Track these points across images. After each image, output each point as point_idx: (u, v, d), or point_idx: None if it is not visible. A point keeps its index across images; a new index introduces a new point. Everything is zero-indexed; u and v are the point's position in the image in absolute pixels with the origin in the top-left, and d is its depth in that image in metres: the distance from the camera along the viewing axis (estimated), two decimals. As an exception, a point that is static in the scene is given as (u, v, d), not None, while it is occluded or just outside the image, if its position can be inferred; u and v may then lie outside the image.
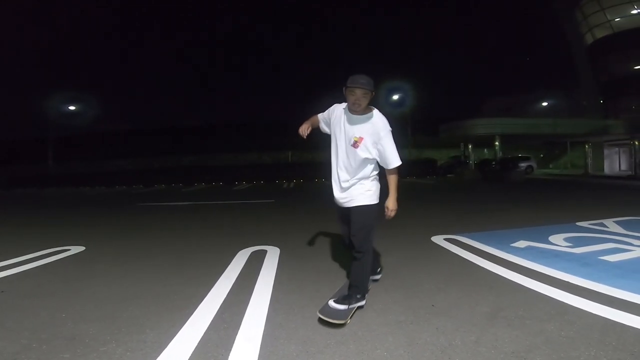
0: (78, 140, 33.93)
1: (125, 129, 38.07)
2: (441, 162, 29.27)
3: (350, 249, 2.62)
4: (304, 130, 2.77)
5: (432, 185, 17.18)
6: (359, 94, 2.43)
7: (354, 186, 2.59)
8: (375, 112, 2.59)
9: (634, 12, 26.88)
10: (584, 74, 31.59)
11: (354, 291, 2.52)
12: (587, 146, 24.82)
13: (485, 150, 31.12)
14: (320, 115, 2.84)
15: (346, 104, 2.59)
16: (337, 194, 2.66)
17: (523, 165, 24.26)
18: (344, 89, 2.51)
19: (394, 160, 2.56)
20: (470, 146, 28.14)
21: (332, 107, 2.75)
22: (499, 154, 25.05)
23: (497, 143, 24.99)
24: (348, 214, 2.63)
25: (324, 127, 2.82)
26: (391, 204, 2.60)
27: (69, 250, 4.75)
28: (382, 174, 2.68)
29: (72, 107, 28.99)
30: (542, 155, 33.35)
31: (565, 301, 2.62)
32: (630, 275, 3.14)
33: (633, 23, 26.71)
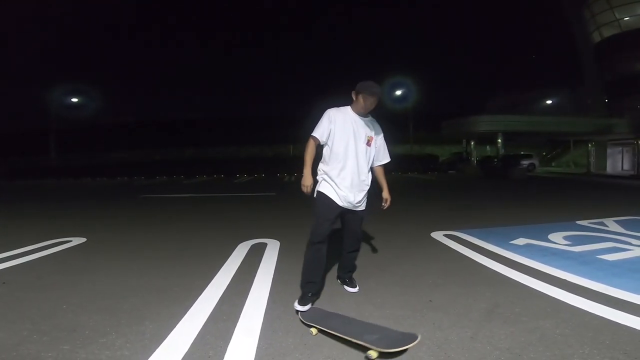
0: (80, 132, 33.97)
1: (127, 121, 38.12)
2: (443, 158, 29.23)
3: (348, 247, 2.94)
4: (309, 190, 2.61)
5: (433, 181, 17.16)
6: (373, 101, 2.62)
7: (366, 190, 2.71)
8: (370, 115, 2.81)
9: (644, 11, 26.53)
10: (590, 72, 31.34)
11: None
12: (590, 145, 24.70)
13: (488, 147, 31.00)
14: (319, 133, 2.64)
15: (347, 107, 2.71)
16: (351, 196, 2.60)
17: (525, 162, 24.18)
18: (353, 93, 2.64)
19: (387, 156, 2.87)
20: (472, 143, 28.04)
21: (331, 114, 2.64)
22: (501, 151, 24.96)
23: (499, 140, 24.87)
24: (343, 214, 2.71)
25: (323, 141, 2.67)
26: (387, 194, 2.87)
27: (71, 241, 4.78)
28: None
29: (74, 100, 29.03)
30: (544, 153, 33.24)
31: (562, 299, 2.64)
32: (628, 274, 3.15)
33: (642, 22, 26.38)
